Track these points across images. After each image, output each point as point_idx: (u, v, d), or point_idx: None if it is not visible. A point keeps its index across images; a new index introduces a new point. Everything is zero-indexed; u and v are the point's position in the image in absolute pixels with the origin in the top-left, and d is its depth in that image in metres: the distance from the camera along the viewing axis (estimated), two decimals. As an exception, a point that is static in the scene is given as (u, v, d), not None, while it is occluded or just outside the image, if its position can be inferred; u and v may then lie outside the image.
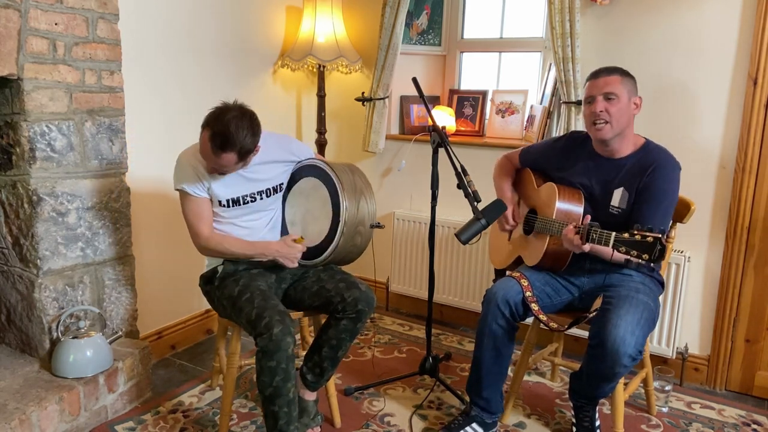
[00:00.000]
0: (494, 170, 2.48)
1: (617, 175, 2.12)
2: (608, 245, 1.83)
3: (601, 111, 2.05)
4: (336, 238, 2.11)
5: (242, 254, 2.14)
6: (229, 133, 1.93)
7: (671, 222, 2.28)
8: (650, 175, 2.06)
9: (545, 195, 2.21)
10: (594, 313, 2.04)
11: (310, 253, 2.20)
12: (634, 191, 2.08)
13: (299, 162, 2.28)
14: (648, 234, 1.75)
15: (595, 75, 2.10)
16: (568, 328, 2.11)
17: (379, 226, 2.18)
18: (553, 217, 2.11)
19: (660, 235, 1.73)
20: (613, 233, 1.82)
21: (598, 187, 2.15)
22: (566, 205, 2.13)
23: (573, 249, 1.98)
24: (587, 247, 1.92)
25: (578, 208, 2.13)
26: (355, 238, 2.14)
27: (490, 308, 2.12)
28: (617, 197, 2.11)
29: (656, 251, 1.72)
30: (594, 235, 1.88)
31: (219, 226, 2.17)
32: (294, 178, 2.29)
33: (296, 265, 2.15)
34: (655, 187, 2.04)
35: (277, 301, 2.04)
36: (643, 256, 1.74)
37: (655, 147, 2.13)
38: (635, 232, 1.77)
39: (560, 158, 2.26)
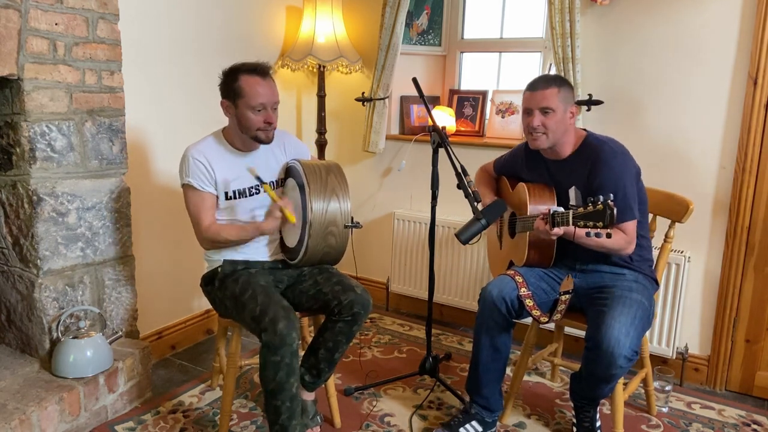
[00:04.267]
0: (474, 182, 2.51)
1: (566, 175, 2.18)
2: (570, 224, 1.89)
3: (537, 125, 2.09)
4: (305, 239, 2.10)
5: (238, 238, 2.14)
6: (260, 62, 2.12)
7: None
8: (591, 174, 2.09)
9: (519, 195, 2.27)
10: (569, 295, 2.08)
11: (291, 254, 2.21)
12: (582, 188, 2.13)
13: (291, 160, 2.29)
14: (598, 202, 1.82)
15: (533, 87, 2.13)
16: (551, 317, 2.13)
17: (355, 226, 2.14)
18: (528, 214, 2.15)
19: (609, 201, 1.80)
20: (570, 211, 1.89)
21: (556, 189, 2.21)
22: (537, 198, 2.19)
23: (546, 237, 2.01)
24: (558, 231, 1.95)
25: (549, 198, 2.19)
26: (327, 239, 2.12)
27: (486, 306, 2.14)
28: (573, 196, 2.17)
29: (607, 216, 1.80)
30: (558, 219, 1.94)
31: (223, 223, 2.19)
32: (285, 178, 2.31)
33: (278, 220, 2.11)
34: (599, 183, 2.06)
35: (280, 297, 2.05)
36: (598, 224, 1.82)
37: (593, 140, 2.15)
38: (588, 204, 1.85)
39: (524, 164, 2.33)
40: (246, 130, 2.13)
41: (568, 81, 2.17)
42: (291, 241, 2.22)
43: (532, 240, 2.17)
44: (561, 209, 1.95)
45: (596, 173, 2.08)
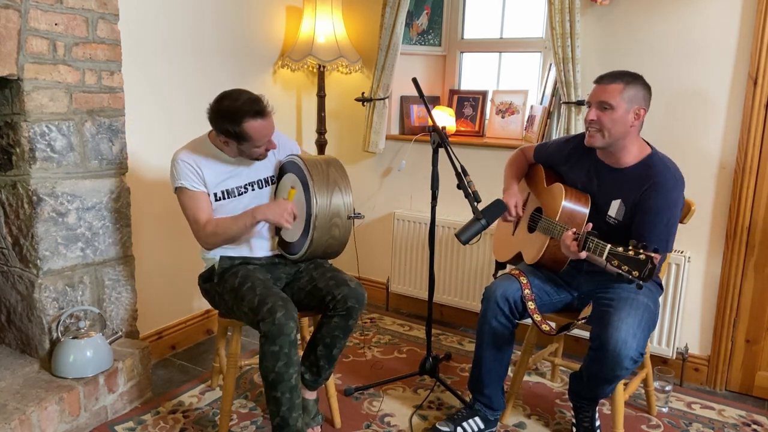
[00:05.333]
0: (507, 162, 2.43)
1: (616, 186, 2.09)
2: (602, 256, 1.81)
3: (592, 120, 2.01)
4: (310, 231, 2.11)
5: (236, 227, 2.12)
6: (258, 98, 2.07)
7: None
8: (647, 192, 2.00)
9: (552, 195, 2.20)
10: (582, 321, 2.04)
11: (292, 248, 2.21)
12: (629, 204, 2.04)
13: (286, 157, 2.29)
14: (641, 252, 1.72)
15: (599, 80, 2.04)
16: (558, 333, 2.10)
17: (357, 216, 2.18)
18: (557, 219, 2.09)
19: (653, 254, 1.70)
20: (609, 245, 1.79)
21: (598, 195, 2.13)
22: (571, 206, 2.10)
23: (569, 255, 1.95)
24: (583, 254, 1.89)
25: (583, 211, 2.10)
26: (332, 231, 2.14)
27: (490, 305, 2.13)
28: (614, 208, 2.08)
29: (646, 270, 1.70)
30: (590, 245, 1.86)
31: None
32: (280, 174, 2.31)
33: (290, 224, 2.10)
34: (650, 206, 1.99)
35: (278, 290, 2.06)
36: (633, 272, 1.72)
37: (658, 161, 2.05)
38: (630, 247, 1.75)
39: (568, 160, 2.23)
40: (247, 156, 2.16)
41: (642, 80, 2.02)
42: (291, 236, 2.22)
43: (551, 246, 2.10)
44: (596, 233, 1.86)
45: (651, 195, 1.99)
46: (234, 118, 2.03)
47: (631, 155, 2.07)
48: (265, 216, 2.10)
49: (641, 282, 1.72)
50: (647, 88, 2.04)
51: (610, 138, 2.02)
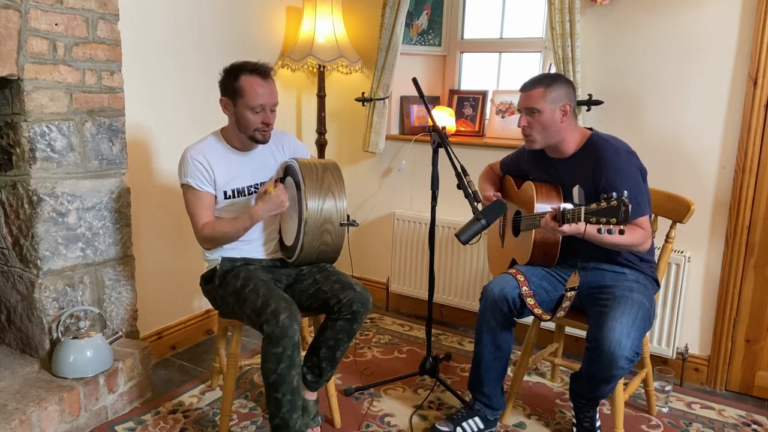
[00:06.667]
0: (478, 179, 2.54)
1: (570, 174, 2.17)
2: (582, 220, 1.85)
3: (524, 126, 2.13)
4: (300, 237, 2.11)
5: (233, 230, 2.12)
6: (261, 63, 2.14)
7: (671, 222, 2.30)
8: (598, 172, 2.07)
9: (525, 193, 2.27)
10: (574, 291, 2.07)
11: (287, 252, 2.22)
12: (588, 186, 2.09)
13: (289, 159, 2.30)
14: (612, 199, 1.77)
15: (522, 88, 2.16)
16: (554, 313, 2.13)
17: (351, 224, 2.16)
18: (535, 212, 2.14)
19: (624, 199, 1.75)
20: (583, 207, 1.85)
21: (562, 188, 2.22)
22: (544, 199, 2.18)
23: (555, 234, 1.99)
24: (566, 228, 1.92)
25: (557, 201, 2.18)
26: (323, 237, 2.13)
27: (488, 304, 2.14)
28: (576, 195, 2.13)
29: (621, 212, 1.75)
30: (568, 216, 1.91)
31: None
32: (284, 177, 2.31)
33: (285, 207, 2.10)
34: (606, 182, 2.04)
35: (281, 291, 2.06)
36: (611, 220, 1.77)
37: (598, 138, 2.14)
38: (601, 201, 1.80)
39: (528, 165, 2.33)
40: (244, 130, 2.15)
41: (562, 79, 2.14)
42: (288, 239, 2.23)
43: (537, 238, 2.16)
44: (571, 206, 1.93)
45: (601, 172, 2.06)
46: (234, 71, 2.12)
47: (573, 143, 2.17)
48: (264, 214, 2.09)
49: (623, 226, 1.76)
50: (569, 84, 2.15)
51: (546, 138, 2.14)
